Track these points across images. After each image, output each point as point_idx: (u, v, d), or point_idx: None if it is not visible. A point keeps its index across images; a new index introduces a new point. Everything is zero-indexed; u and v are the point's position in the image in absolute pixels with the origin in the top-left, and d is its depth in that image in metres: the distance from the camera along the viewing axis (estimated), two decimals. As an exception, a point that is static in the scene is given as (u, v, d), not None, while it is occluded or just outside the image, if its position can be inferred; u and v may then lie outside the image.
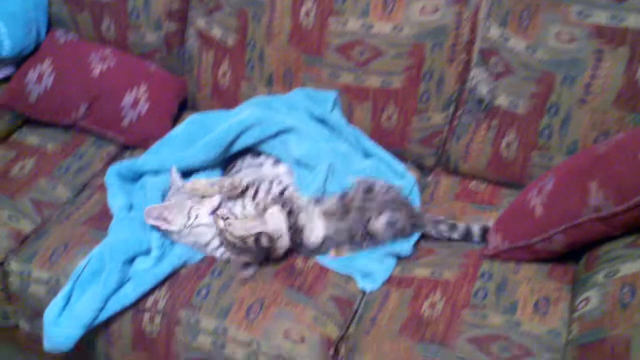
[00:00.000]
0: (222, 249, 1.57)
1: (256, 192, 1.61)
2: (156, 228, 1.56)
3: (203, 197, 1.58)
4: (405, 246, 1.62)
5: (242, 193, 1.62)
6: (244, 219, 1.54)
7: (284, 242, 1.56)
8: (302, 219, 1.57)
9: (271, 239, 1.52)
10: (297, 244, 1.58)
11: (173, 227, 1.55)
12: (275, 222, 1.54)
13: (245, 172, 1.72)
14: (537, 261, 1.54)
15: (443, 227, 1.65)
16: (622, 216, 1.31)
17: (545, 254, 1.51)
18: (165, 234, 1.56)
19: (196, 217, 1.56)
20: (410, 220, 1.62)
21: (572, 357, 1.29)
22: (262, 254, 1.54)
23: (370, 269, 1.58)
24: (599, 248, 1.44)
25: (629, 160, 1.31)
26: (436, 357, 1.37)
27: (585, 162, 1.44)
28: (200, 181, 1.61)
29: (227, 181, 1.60)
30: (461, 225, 1.65)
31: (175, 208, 1.56)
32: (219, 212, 1.54)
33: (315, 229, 1.59)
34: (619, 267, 1.33)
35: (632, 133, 1.42)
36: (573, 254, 1.52)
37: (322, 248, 1.61)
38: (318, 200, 1.63)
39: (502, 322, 1.42)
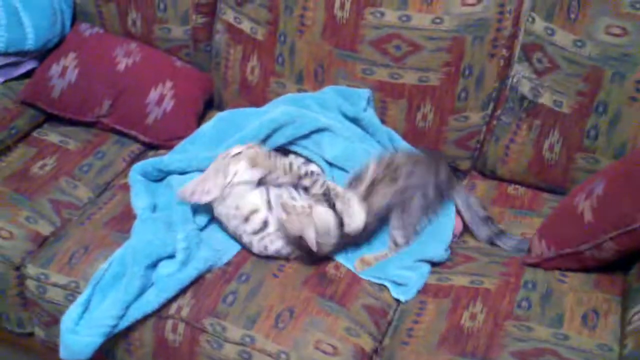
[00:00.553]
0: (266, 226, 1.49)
1: (312, 185, 1.54)
2: (194, 208, 1.49)
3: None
4: (438, 251, 1.53)
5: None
6: (299, 214, 1.46)
7: (331, 240, 1.48)
8: (339, 206, 1.49)
9: (319, 235, 1.44)
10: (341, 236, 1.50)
11: (213, 194, 1.47)
12: (324, 218, 1.46)
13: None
14: (583, 271, 1.45)
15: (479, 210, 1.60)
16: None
17: (593, 262, 1.41)
18: (191, 234, 1.49)
19: (235, 174, 1.48)
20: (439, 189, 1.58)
21: (628, 375, 1.19)
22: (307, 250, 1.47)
23: (403, 276, 1.49)
24: (654, 255, 1.35)
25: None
26: (478, 372, 1.29)
27: (638, 162, 1.34)
28: (256, 149, 1.54)
29: (286, 161, 1.54)
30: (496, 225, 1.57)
31: (211, 173, 1.48)
32: (282, 201, 1.46)
33: (355, 214, 1.50)
34: (680, 277, 1.23)
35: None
36: (620, 264, 1.43)
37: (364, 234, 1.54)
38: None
39: (548, 336, 1.33)
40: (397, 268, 1.52)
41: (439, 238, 1.58)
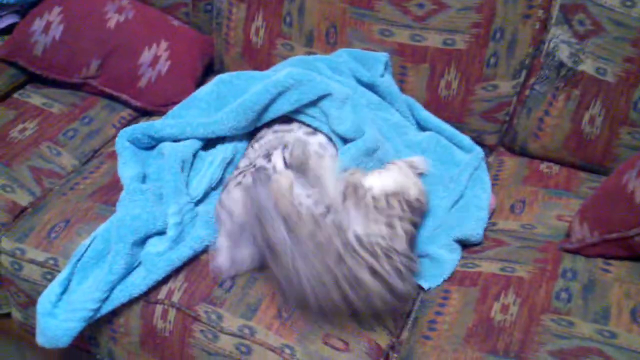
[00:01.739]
0: None
1: None
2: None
3: None
4: (477, 229, 1.36)
5: None
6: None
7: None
8: None
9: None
10: None
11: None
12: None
13: (268, 138, 1.46)
14: (631, 259, 1.28)
15: None
16: None
17: (644, 249, 1.24)
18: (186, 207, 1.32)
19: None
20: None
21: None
22: None
23: (440, 257, 1.32)
24: None
25: None
26: (512, 372, 1.12)
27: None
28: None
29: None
30: None
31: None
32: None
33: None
34: None
35: None
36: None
37: None
38: None
39: (592, 332, 1.16)
40: (432, 244, 1.35)
41: (476, 215, 1.40)
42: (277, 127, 1.48)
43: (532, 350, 1.15)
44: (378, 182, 1.30)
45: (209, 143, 1.46)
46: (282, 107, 1.46)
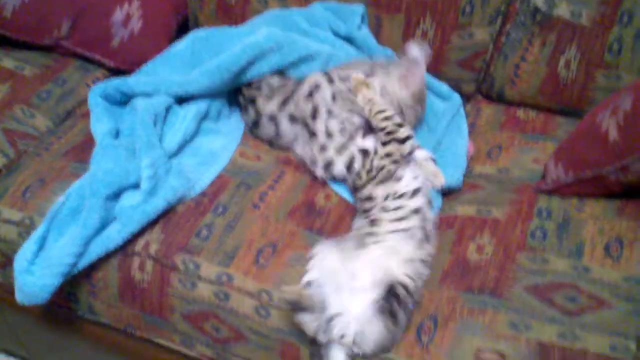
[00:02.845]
0: None
1: None
2: None
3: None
4: (456, 176, 1.37)
5: None
6: None
7: None
8: None
9: None
10: None
11: None
12: None
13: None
14: (605, 197, 1.28)
15: None
16: None
17: (617, 187, 1.24)
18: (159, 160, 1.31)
19: None
20: None
21: (664, 309, 1.03)
22: None
23: None
24: (687, 177, 1.17)
25: None
26: (486, 308, 1.12)
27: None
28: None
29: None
30: None
31: None
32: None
33: None
34: None
35: None
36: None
37: None
38: None
39: (567, 268, 1.17)
40: None
41: (455, 162, 1.41)
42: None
43: (506, 286, 1.15)
44: None
45: (183, 98, 1.44)
46: (261, 69, 1.45)
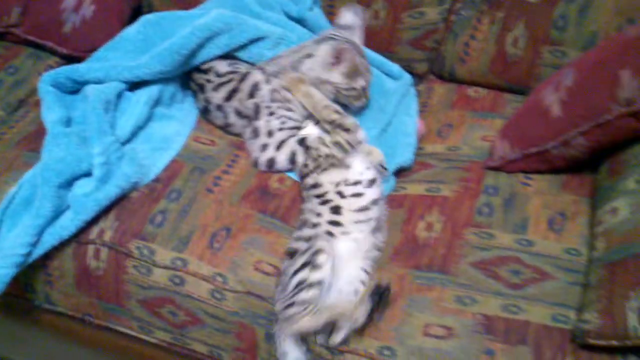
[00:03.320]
0: None
1: None
2: None
3: None
4: (407, 155, 1.40)
5: None
6: None
7: None
8: None
9: None
10: None
11: None
12: None
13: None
14: (551, 172, 1.32)
15: None
16: (661, 108, 1.08)
17: (561, 161, 1.28)
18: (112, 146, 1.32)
19: None
20: None
21: (598, 277, 1.08)
22: None
23: None
24: (625, 151, 1.22)
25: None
26: (434, 284, 1.15)
27: (612, 49, 1.20)
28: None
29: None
30: None
31: None
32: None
33: None
34: (654, 169, 1.10)
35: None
36: (590, 164, 1.30)
37: None
38: None
39: (511, 242, 1.21)
40: None
41: (405, 141, 1.43)
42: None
43: (454, 262, 1.19)
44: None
45: (135, 83, 1.44)
46: (211, 51, 1.46)
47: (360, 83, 1.42)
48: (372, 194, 1.26)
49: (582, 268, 1.15)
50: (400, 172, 1.40)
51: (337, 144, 1.30)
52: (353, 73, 1.40)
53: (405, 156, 1.40)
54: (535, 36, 1.48)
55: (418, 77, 1.66)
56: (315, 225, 1.23)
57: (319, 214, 1.25)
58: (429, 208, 1.29)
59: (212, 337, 1.26)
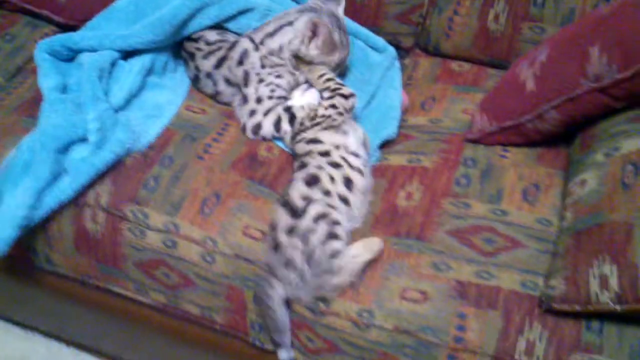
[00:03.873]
0: None
1: None
2: None
3: None
4: (392, 129, 1.45)
5: None
6: None
7: None
8: None
9: None
10: None
11: None
12: None
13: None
14: (527, 145, 1.38)
15: None
16: (627, 84, 1.15)
17: (536, 135, 1.34)
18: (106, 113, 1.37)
19: None
20: None
21: (565, 246, 1.15)
22: None
23: None
24: (596, 125, 1.28)
25: (639, 17, 1.11)
26: (411, 251, 1.22)
27: (585, 25, 1.25)
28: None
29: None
30: None
31: None
32: None
33: None
34: (621, 143, 1.17)
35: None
36: (566, 137, 1.36)
37: None
38: None
39: (486, 212, 1.27)
40: None
41: (389, 114, 1.49)
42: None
43: (431, 230, 1.25)
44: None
45: (129, 53, 1.49)
46: (202, 21, 1.51)
47: (335, 58, 1.46)
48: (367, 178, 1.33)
49: (552, 237, 1.21)
50: (383, 144, 1.46)
51: (333, 106, 1.35)
52: (329, 47, 1.44)
53: (389, 129, 1.45)
54: (515, 12, 1.53)
55: (404, 51, 1.71)
56: (327, 194, 1.27)
57: (332, 178, 1.28)
58: (410, 178, 1.35)
59: (203, 299, 1.32)
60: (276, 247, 1.21)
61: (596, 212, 1.12)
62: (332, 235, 1.20)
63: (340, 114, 1.35)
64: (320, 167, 1.30)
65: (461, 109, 1.49)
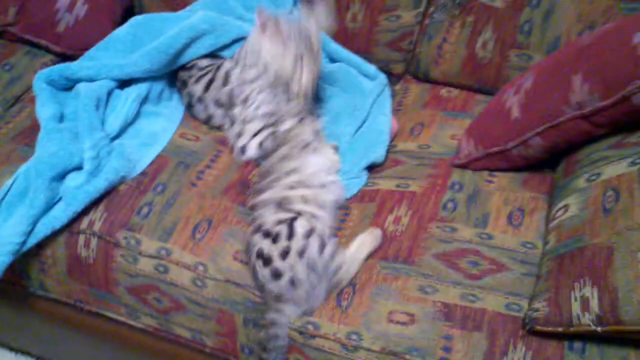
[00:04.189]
0: None
1: None
2: None
3: None
4: (381, 152, 1.48)
5: None
6: None
7: None
8: None
9: None
10: None
11: None
12: None
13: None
14: (514, 170, 1.41)
15: None
16: (608, 112, 1.17)
17: (522, 160, 1.37)
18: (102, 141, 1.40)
19: None
20: None
21: (548, 269, 1.17)
22: None
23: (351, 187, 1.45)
24: (579, 151, 1.31)
25: (619, 47, 1.14)
26: (399, 274, 1.24)
27: (568, 54, 1.28)
28: None
29: None
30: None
31: None
32: None
33: None
34: (602, 169, 1.19)
35: (621, 21, 1.25)
36: (552, 162, 1.38)
37: None
38: None
39: (472, 236, 1.29)
40: (347, 179, 1.45)
41: (378, 138, 1.51)
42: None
43: (418, 254, 1.27)
44: None
45: (125, 82, 1.53)
46: (197, 51, 1.55)
47: (289, 58, 1.41)
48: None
49: (536, 260, 1.24)
50: (373, 168, 1.48)
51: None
52: (275, 34, 1.41)
53: (377, 153, 1.48)
54: (502, 40, 1.57)
55: (395, 78, 1.75)
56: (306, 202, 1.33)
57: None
58: (398, 203, 1.37)
59: (194, 323, 1.34)
60: (276, 275, 1.23)
61: (578, 236, 1.14)
62: (324, 244, 1.24)
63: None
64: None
65: (449, 135, 1.52)
